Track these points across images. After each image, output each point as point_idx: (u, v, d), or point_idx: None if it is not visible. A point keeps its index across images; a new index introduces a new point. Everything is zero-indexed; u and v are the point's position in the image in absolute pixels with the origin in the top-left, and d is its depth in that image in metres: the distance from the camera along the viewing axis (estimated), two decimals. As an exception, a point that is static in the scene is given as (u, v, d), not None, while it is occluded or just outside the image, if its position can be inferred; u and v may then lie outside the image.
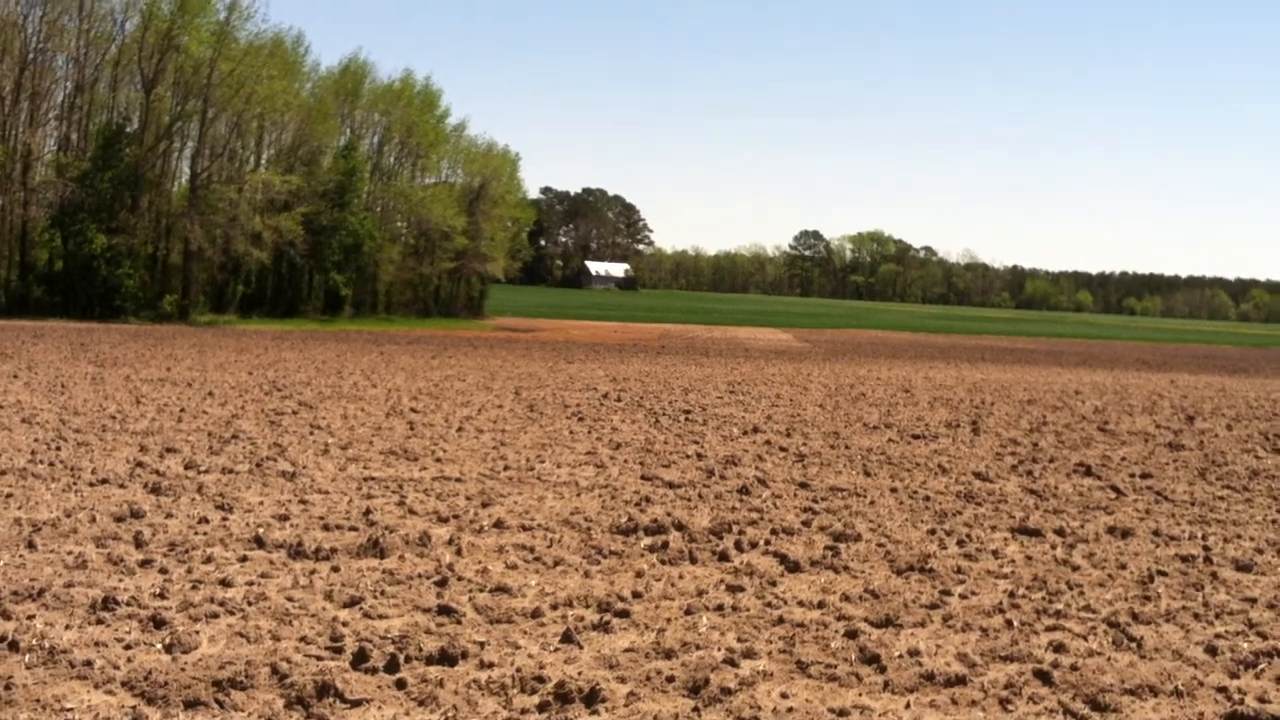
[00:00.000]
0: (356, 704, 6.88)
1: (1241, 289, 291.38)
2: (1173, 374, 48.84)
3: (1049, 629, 8.95)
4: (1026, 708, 7.26)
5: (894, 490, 15.07)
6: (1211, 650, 8.52)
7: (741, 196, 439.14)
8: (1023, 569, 10.89)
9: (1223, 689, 7.72)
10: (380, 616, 8.58)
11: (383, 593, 9.19)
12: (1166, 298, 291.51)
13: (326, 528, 11.44)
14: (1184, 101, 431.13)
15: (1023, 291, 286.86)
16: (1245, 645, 8.65)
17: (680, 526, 12.10)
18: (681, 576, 10.15)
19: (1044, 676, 7.76)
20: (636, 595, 9.42)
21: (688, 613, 8.99)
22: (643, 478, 15.29)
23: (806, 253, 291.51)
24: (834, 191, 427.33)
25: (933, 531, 12.47)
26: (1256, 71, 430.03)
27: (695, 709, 6.97)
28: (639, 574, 10.17)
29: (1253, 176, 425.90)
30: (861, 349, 61.26)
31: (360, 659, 7.54)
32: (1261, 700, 7.50)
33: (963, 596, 9.83)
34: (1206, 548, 12.14)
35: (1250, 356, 76.40)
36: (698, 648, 8.11)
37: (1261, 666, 8.21)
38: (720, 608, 9.15)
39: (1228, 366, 59.13)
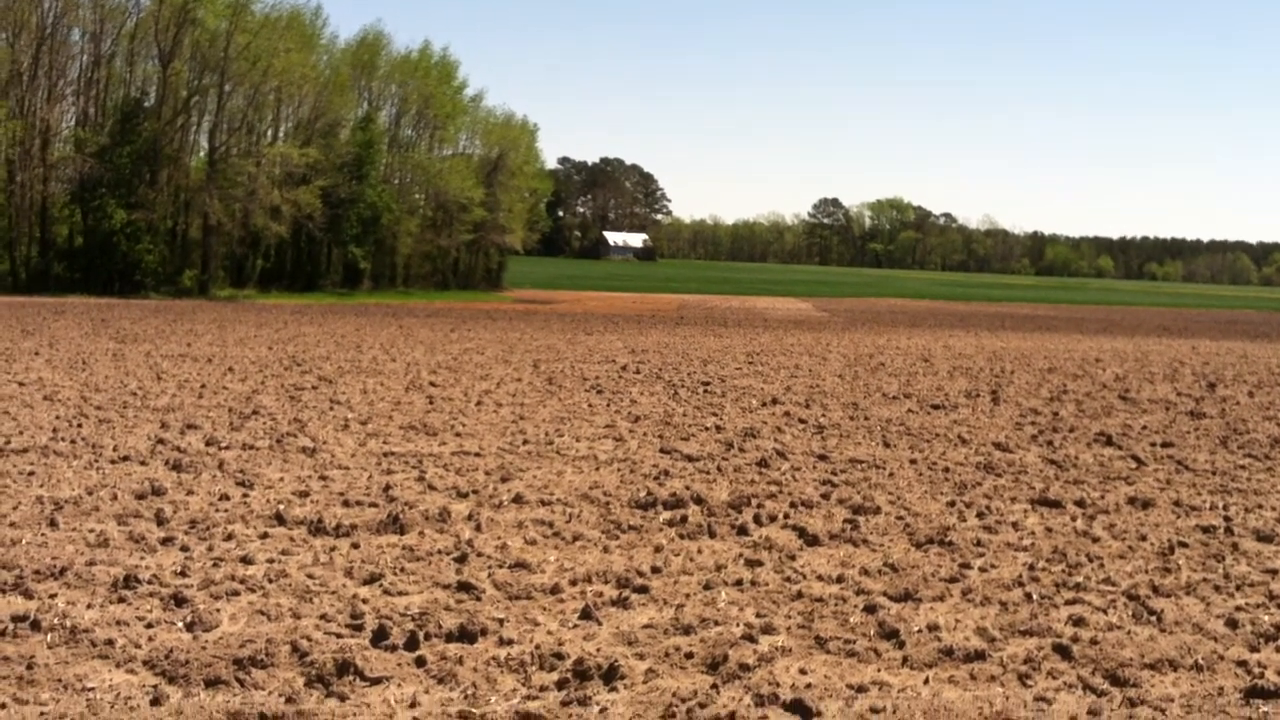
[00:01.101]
0: (376, 682, 6.91)
1: (1264, 252, 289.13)
2: (1194, 340, 48.60)
3: (1069, 602, 8.92)
4: (1046, 682, 7.25)
5: (913, 462, 15.04)
6: (1232, 623, 8.49)
7: (760, 165, 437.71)
8: (1043, 541, 10.86)
9: (1243, 662, 7.69)
10: (400, 593, 8.62)
11: (402, 569, 9.22)
12: (1188, 262, 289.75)
13: (346, 504, 11.48)
14: (1204, 63, 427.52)
15: (1043, 258, 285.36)
16: (1266, 618, 8.61)
17: (699, 500, 12.10)
18: (700, 551, 10.16)
19: (1063, 651, 7.74)
20: (655, 570, 9.43)
21: (706, 588, 8.99)
22: (661, 451, 15.29)
23: (825, 220, 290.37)
24: (853, 159, 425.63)
25: (952, 504, 12.44)
26: (1273, 35, 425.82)
27: (714, 685, 6.98)
28: (658, 549, 10.18)
29: (1275, 139, 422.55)
30: (881, 318, 61.12)
31: (380, 636, 7.57)
32: (1283, 673, 7.47)
33: (982, 570, 9.81)
34: (1228, 518, 12.09)
35: (1273, 321, 75.96)
36: (716, 623, 8.12)
37: (1282, 639, 8.17)
38: (739, 582, 9.15)
39: (1250, 332, 58.80)
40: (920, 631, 8.07)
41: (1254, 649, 8.01)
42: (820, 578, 9.43)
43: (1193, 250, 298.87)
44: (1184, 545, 10.87)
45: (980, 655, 7.65)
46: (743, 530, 10.94)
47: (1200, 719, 6.77)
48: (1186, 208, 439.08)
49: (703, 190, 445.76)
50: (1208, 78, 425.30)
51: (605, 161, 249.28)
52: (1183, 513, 12.38)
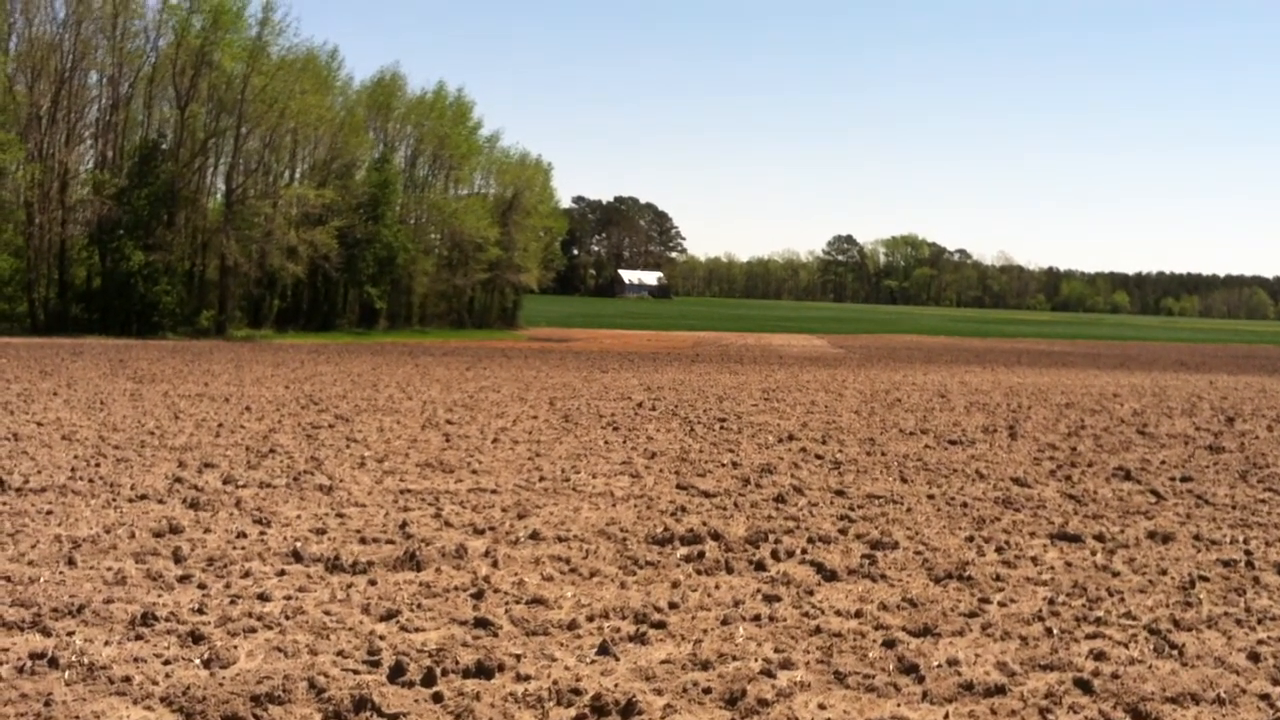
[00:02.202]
0: (393, 718, 6.89)
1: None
2: (1212, 375, 48.40)
3: (1089, 637, 8.86)
4: (1067, 717, 7.20)
5: (931, 497, 14.99)
6: (1254, 657, 8.42)
7: (774, 202, 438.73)
8: (1062, 575, 10.80)
9: (1265, 696, 7.63)
10: (417, 629, 8.60)
11: (419, 605, 9.21)
12: (1204, 297, 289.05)
13: (363, 541, 11.48)
14: (1218, 99, 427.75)
15: (1058, 293, 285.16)
16: (1289, 651, 8.54)
17: (716, 536, 12.07)
18: (718, 586, 10.13)
19: (1084, 685, 7.69)
20: (673, 606, 9.40)
21: (724, 623, 8.96)
22: (678, 487, 15.27)
23: (840, 258, 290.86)
24: (867, 196, 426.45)
25: (971, 538, 12.39)
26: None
27: (733, 721, 6.95)
28: (675, 584, 10.15)
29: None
30: (896, 354, 61.03)
31: (397, 672, 7.56)
32: (1307, 707, 7.40)
33: (1002, 604, 9.76)
34: (1248, 552, 12.00)
35: (1291, 356, 75.63)
36: (735, 659, 8.08)
37: (1306, 672, 8.10)
38: (757, 618, 9.12)
39: (1267, 367, 58.55)
40: (940, 666, 8.02)
41: (1277, 682, 7.93)
42: (839, 613, 9.38)
43: (1209, 285, 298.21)
44: (1205, 579, 10.79)
45: (1001, 690, 7.60)
46: (760, 566, 10.90)
47: (1224, 753, 6.70)
48: (1202, 242, 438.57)
49: (717, 228, 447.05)
50: (1223, 112, 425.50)
51: (619, 200, 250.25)
52: (1203, 547, 12.30)
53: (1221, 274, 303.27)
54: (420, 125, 79.14)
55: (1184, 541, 12.53)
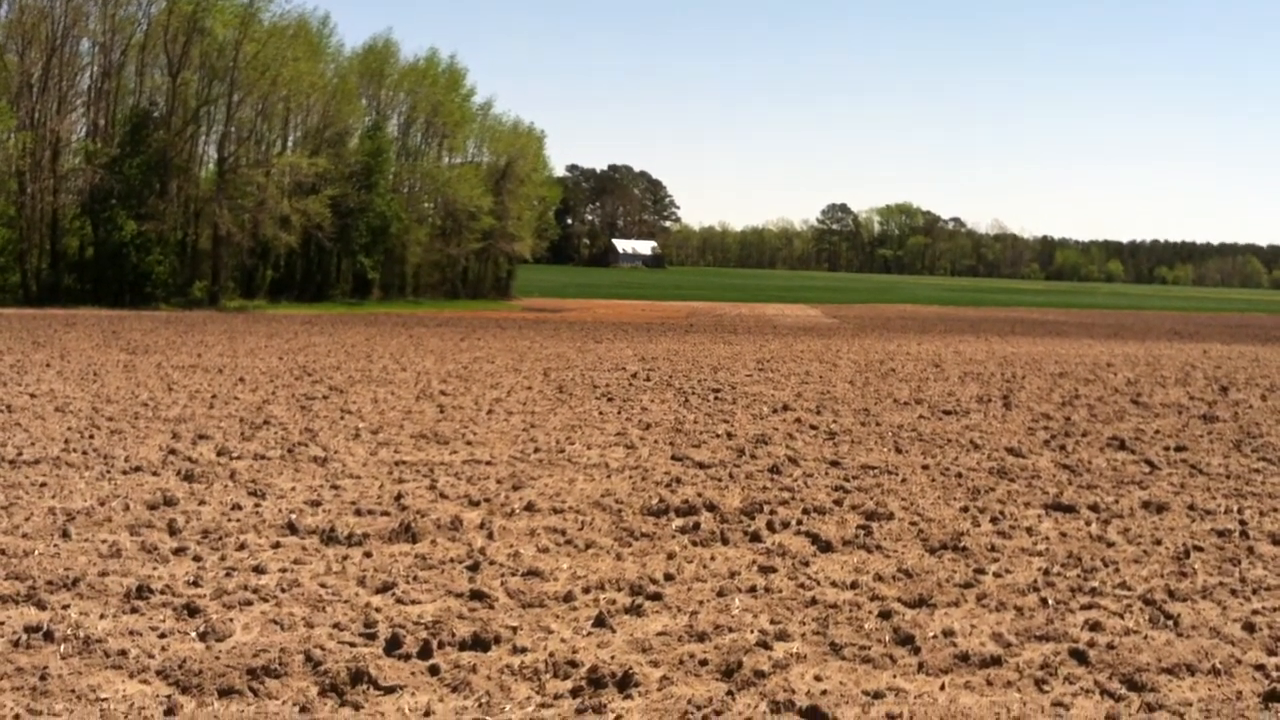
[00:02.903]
0: (390, 690, 6.90)
1: (1274, 255, 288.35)
2: (1206, 344, 48.45)
3: (1084, 607, 8.88)
4: (1063, 688, 7.21)
5: (926, 467, 14.99)
6: (1249, 627, 8.44)
7: (768, 171, 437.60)
8: (1057, 546, 10.81)
9: (1261, 666, 7.65)
10: (413, 602, 8.60)
11: (415, 578, 9.20)
12: (1198, 266, 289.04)
13: (358, 513, 11.47)
14: (1213, 66, 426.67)
15: (1053, 262, 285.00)
16: (1284, 621, 8.56)
17: (711, 507, 12.07)
18: (713, 558, 10.13)
19: (1080, 656, 7.70)
20: (669, 578, 9.40)
21: (720, 595, 8.97)
22: (673, 458, 15.26)
23: (834, 226, 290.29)
24: (861, 164, 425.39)
25: (965, 509, 12.40)
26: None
27: (729, 692, 6.95)
28: (671, 556, 10.15)
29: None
30: (891, 324, 61.02)
31: (393, 645, 7.56)
32: (1301, 677, 7.42)
33: (997, 575, 9.78)
34: (1243, 522, 12.03)
35: (1284, 325, 75.75)
36: (731, 630, 8.09)
37: (1301, 643, 8.12)
38: (753, 589, 9.12)
39: (1261, 336, 58.61)
40: (935, 637, 8.03)
41: (1272, 653, 7.96)
42: (834, 584, 9.39)
43: (1203, 253, 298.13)
44: (1199, 549, 10.81)
45: (996, 661, 7.62)
46: (756, 537, 10.90)
47: (1219, 724, 6.72)
48: (1196, 211, 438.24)
49: (711, 197, 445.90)
50: (1216, 80, 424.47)
51: (613, 169, 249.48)
52: (1197, 517, 12.32)
53: (1216, 242, 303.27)
54: (413, 93, 78.64)
55: (1178, 511, 12.55)
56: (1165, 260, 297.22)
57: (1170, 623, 8.52)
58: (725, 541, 10.76)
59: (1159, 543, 11.05)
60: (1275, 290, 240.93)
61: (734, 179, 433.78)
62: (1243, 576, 9.88)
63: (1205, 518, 12.27)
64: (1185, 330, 62.20)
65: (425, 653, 7.46)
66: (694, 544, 10.65)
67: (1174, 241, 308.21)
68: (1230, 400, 24.22)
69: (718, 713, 6.62)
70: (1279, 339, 55.28)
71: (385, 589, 8.87)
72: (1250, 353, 42.78)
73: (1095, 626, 8.35)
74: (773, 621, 8.30)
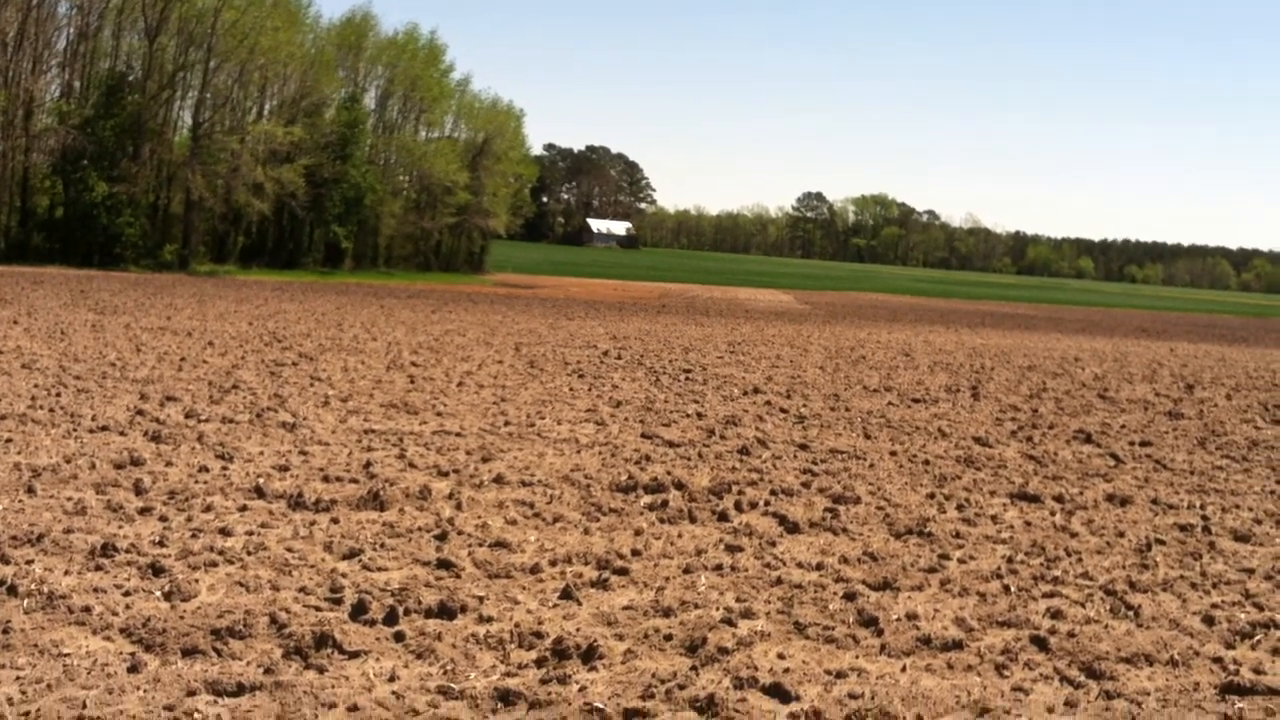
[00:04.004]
0: (354, 655, 6.89)
1: (1244, 258, 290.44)
2: (1173, 342, 48.81)
3: (1046, 595, 8.96)
4: (1022, 673, 7.27)
5: (893, 453, 15.07)
6: (1208, 620, 8.53)
7: (745, 156, 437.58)
8: (1021, 535, 10.90)
9: (1218, 659, 7.73)
10: (379, 569, 8.59)
11: (382, 545, 9.20)
12: (1168, 265, 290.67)
13: (326, 479, 11.44)
14: (1189, 68, 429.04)
15: (1024, 257, 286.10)
16: (1242, 616, 8.66)
17: (680, 485, 12.10)
18: (681, 535, 10.17)
19: (1040, 643, 7.77)
20: (635, 553, 9.43)
21: (686, 571, 9.00)
22: (643, 436, 15.29)
23: (809, 214, 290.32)
24: (838, 153, 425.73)
25: (932, 495, 12.48)
26: (1262, 41, 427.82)
27: (693, 668, 6.98)
28: (638, 532, 10.18)
29: (1257, 145, 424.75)
30: (862, 312, 61.19)
31: (359, 611, 7.55)
32: (1257, 671, 7.51)
33: (961, 561, 9.85)
34: (1205, 517, 12.15)
35: (1250, 326, 76.36)
36: (696, 607, 8.12)
37: (1258, 637, 8.22)
38: (719, 567, 9.16)
39: (1228, 336, 59.09)
40: (899, 620, 8.09)
41: (1230, 646, 8.05)
42: (800, 565, 9.44)
43: (1172, 254, 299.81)
44: (1161, 543, 10.92)
45: (958, 645, 7.67)
46: (723, 516, 10.94)
47: (1176, 714, 6.79)
48: (1167, 212, 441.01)
49: (687, 180, 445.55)
50: (1192, 83, 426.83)
51: (591, 149, 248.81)
52: (1160, 511, 12.43)
53: (1185, 243, 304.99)
54: (392, 66, 78.14)
55: (1142, 505, 12.66)
56: (1135, 259, 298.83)
57: (1131, 613, 8.60)
58: (693, 520, 10.79)
59: (1122, 535, 11.15)
60: (1243, 292, 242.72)
61: (711, 163, 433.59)
62: (1203, 570, 9.99)
63: (1168, 512, 12.39)
64: (1153, 328, 62.62)
65: (391, 619, 7.46)
66: (661, 521, 10.67)
67: (1145, 241, 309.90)
68: (1196, 398, 24.43)
69: (681, 686, 6.65)
70: (1245, 340, 55.75)
71: (352, 555, 8.86)
72: (1216, 352, 43.13)
73: (1057, 614, 8.42)
74: (738, 599, 8.34)
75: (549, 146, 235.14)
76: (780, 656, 7.31)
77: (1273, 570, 10.10)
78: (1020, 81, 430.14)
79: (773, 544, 10.04)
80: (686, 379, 22.37)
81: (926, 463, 14.51)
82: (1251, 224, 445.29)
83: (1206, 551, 10.71)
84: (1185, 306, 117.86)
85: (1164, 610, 8.73)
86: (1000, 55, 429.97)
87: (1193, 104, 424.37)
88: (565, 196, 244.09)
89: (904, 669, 7.24)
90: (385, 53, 77.82)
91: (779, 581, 8.88)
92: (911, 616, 8.18)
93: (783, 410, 18.51)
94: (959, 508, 11.92)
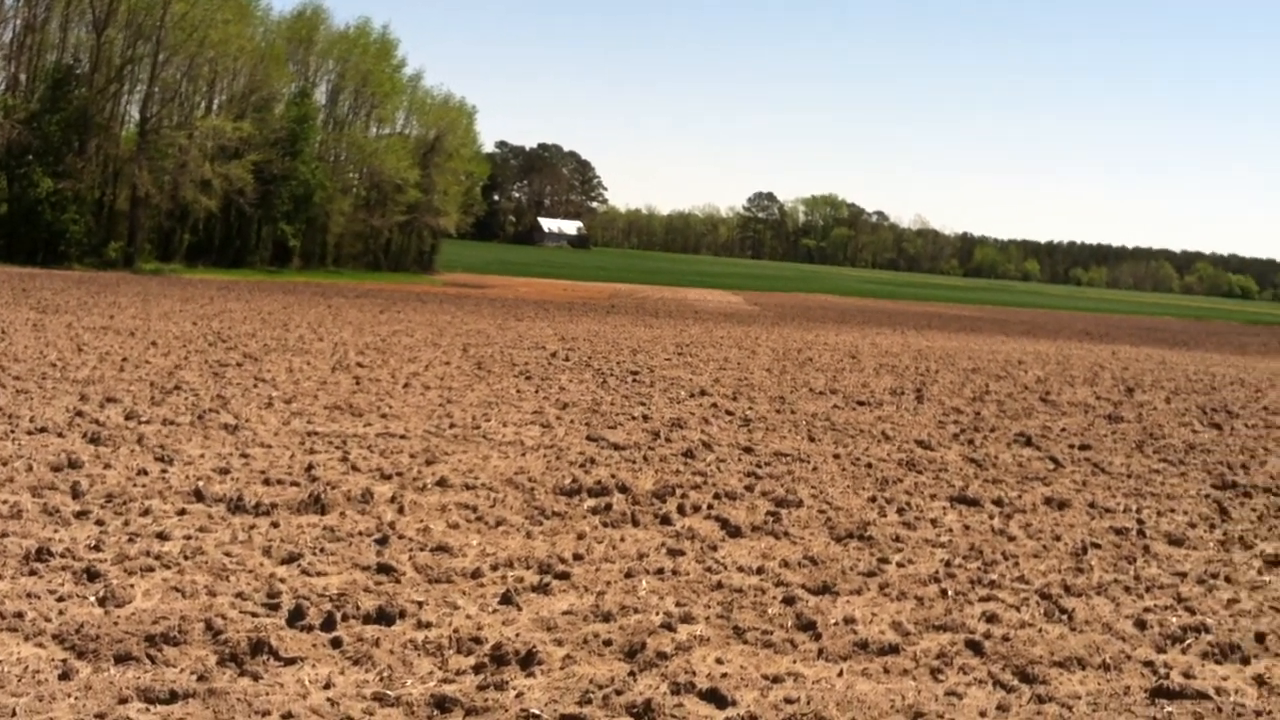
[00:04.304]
0: (291, 662, 6.87)
1: (1186, 261, 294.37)
2: (1115, 345, 49.40)
3: (983, 599, 9.06)
4: (957, 678, 7.36)
5: (837, 456, 15.17)
6: (1140, 624, 8.66)
7: (697, 156, 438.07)
8: (960, 538, 11.01)
9: (1149, 663, 7.85)
10: (319, 574, 8.56)
11: (322, 549, 9.16)
12: (1112, 268, 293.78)
13: (267, 482, 11.37)
14: (1134, 71, 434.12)
15: (972, 259, 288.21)
16: (1174, 620, 8.79)
17: (624, 489, 12.13)
18: (623, 539, 10.20)
19: (975, 647, 7.86)
20: (577, 557, 9.45)
21: (628, 576, 9.03)
22: (588, 438, 15.30)
23: (760, 214, 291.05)
24: (789, 154, 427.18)
25: (873, 499, 12.58)
26: (1205, 46, 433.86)
27: (631, 673, 7.01)
28: (580, 536, 10.20)
29: (1200, 147, 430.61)
30: (810, 313, 61.48)
31: (296, 616, 7.52)
32: (1186, 675, 7.63)
33: (900, 565, 9.93)
34: (1140, 521, 12.32)
35: (1191, 329, 77.39)
36: (636, 611, 8.15)
37: (1188, 641, 8.35)
38: (660, 571, 9.19)
39: (1169, 339, 59.86)
40: (837, 624, 8.16)
41: (1161, 650, 8.18)
42: (741, 569, 9.49)
43: (1117, 256, 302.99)
44: (1097, 546, 11.07)
45: (894, 649, 7.75)
46: (666, 520, 10.98)
47: (1106, 717, 6.90)
48: (1112, 214, 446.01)
49: (639, 180, 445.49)
50: (1136, 85, 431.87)
51: (543, 147, 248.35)
52: (1097, 514, 12.60)
53: (1130, 246, 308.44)
54: (342, 61, 77.69)
55: (1079, 509, 12.83)
56: (1081, 261, 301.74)
57: (1065, 617, 8.72)
58: (636, 523, 10.82)
59: (1058, 538, 11.29)
60: (1186, 295, 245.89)
61: (662, 163, 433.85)
62: (1137, 574, 10.13)
63: (1104, 515, 12.56)
64: (1096, 331, 63.34)
65: (328, 625, 7.44)
66: (604, 525, 10.70)
67: (1090, 244, 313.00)
68: (1135, 401, 24.75)
69: (619, 692, 6.67)
70: (1186, 343, 56.51)
71: (291, 560, 8.82)
72: (1158, 355, 43.70)
73: (992, 618, 8.52)
74: (678, 604, 8.38)
75: (500, 144, 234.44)
76: (718, 661, 7.36)
77: (1205, 574, 10.27)
78: (968, 82, 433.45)
79: (714, 548, 10.09)
80: (634, 381, 22.40)
81: (869, 466, 14.62)
82: (1194, 227, 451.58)
83: (1141, 555, 10.86)
84: (1129, 309, 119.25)
85: (1097, 614, 8.86)
86: (947, 56, 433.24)
87: (1137, 106, 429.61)
88: (517, 195, 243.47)
89: (840, 673, 7.30)
90: (336, 47, 77.38)
91: (719, 586, 8.93)
92: (849, 621, 8.25)
93: (728, 413, 18.59)
94: (899, 511, 12.03)
